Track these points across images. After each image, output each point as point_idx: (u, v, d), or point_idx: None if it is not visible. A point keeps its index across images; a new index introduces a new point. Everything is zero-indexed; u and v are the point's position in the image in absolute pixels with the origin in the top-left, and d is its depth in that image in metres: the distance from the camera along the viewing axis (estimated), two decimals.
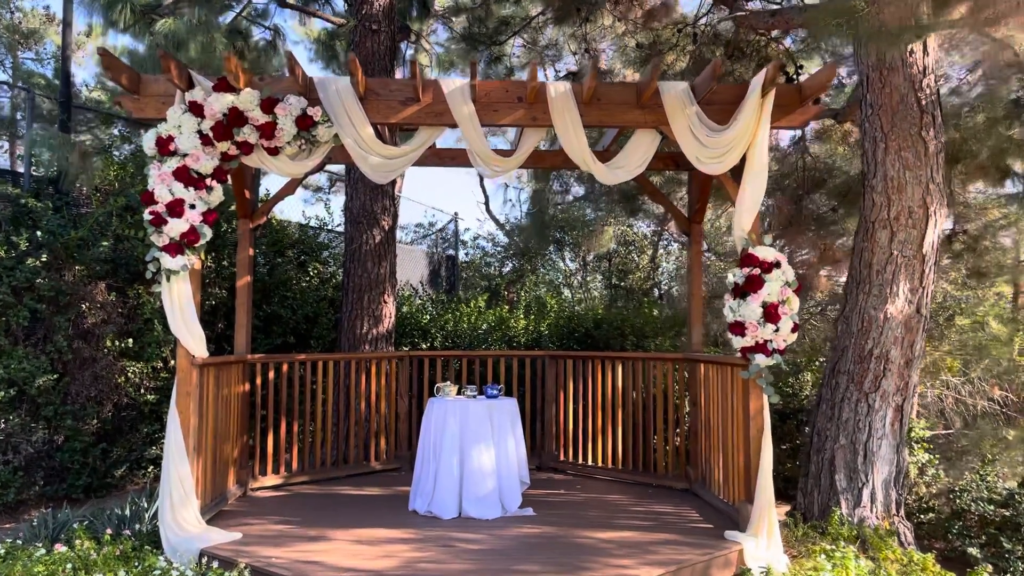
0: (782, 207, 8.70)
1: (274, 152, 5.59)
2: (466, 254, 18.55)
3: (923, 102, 6.54)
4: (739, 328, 5.44)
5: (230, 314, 9.10)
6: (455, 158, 7.19)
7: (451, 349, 11.13)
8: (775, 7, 7.73)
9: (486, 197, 22.28)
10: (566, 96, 5.57)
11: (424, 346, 11.10)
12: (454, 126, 5.67)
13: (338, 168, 17.05)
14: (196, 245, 5.48)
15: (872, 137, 6.69)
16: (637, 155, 5.71)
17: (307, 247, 10.80)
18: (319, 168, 7.06)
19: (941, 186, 6.65)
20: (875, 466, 6.48)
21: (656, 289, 14.02)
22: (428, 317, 11.80)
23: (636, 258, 14.65)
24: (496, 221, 20.36)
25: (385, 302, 8.65)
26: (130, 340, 8.11)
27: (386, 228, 8.71)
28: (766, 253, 5.40)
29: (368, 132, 5.55)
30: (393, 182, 8.87)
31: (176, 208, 5.37)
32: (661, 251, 14.99)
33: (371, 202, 8.61)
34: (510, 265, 16.93)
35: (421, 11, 10.77)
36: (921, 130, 6.51)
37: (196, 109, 5.40)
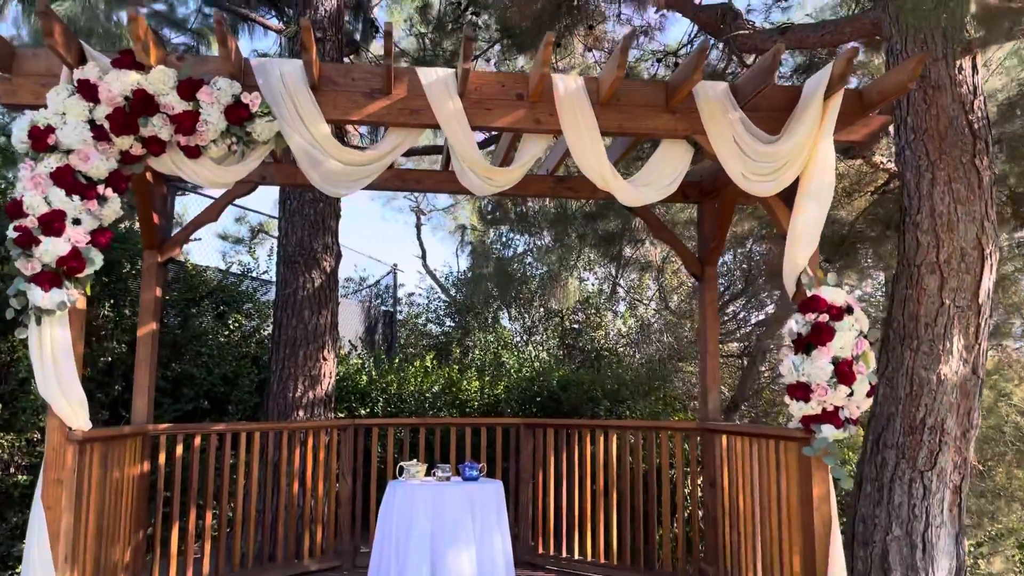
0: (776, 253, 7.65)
1: (194, 153, 4.18)
2: (400, 311, 17.10)
3: (975, 126, 5.60)
4: (802, 391, 4.23)
5: (129, 373, 7.45)
6: (420, 181, 5.89)
7: (395, 415, 9.64)
8: (783, 24, 6.82)
9: (423, 250, 21.01)
10: (579, 94, 4.37)
11: (363, 412, 9.58)
12: (433, 127, 4.39)
13: (260, 215, 15.49)
14: (80, 276, 4.00)
15: (915, 166, 5.70)
16: (667, 171, 4.53)
17: (227, 296, 9.23)
18: (250, 187, 5.65)
19: (995, 224, 5.70)
20: (936, 562, 5.31)
21: (629, 348, 12.85)
22: (367, 378, 10.31)
23: (595, 312, 13.48)
24: (434, 277, 19.03)
25: (324, 359, 7.19)
26: None
27: (327, 270, 7.30)
28: (834, 295, 4.25)
29: (322, 130, 4.22)
30: (337, 216, 7.49)
31: (53, 223, 3.89)
32: (623, 302, 13.89)
33: (310, 239, 7.20)
34: (451, 323, 15.58)
35: (367, 31, 9.58)
36: (974, 158, 5.56)
37: (88, 91, 3.98)
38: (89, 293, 4.16)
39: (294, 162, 5.83)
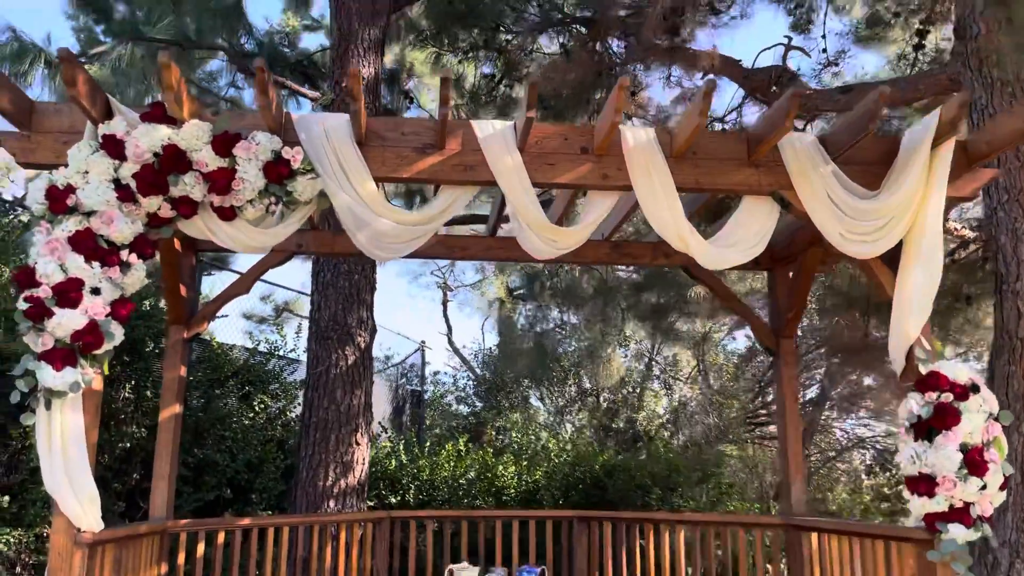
0: (850, 326, 7.10)
1: (229, 215, 3.76)
2: (426, 391, 16.53)
3: None
4: (925, 484, 3.62)
5: (149, 460, 6.93)
6: (466, 248, 5.43)
7: (427, 504, 8.99)
8: (846, 84, 6.46)
9: (449, 328, 20.54)
10: (650, 147, 3.93)
11: (393, 500, 8.94)
12: (490, 184, 3.96)
13: (288, 291, 15.14)
14: (97, 352, 3.54)
15: (1010, 229, 5.21)
16: (751, 230, 4.05)
17: (253, 376, 8.75)
18: (285, 257, 5.22)
19: None
20: None
21: (667, 429, 12.16)
22: (396, 463, 9.70)
23: (632, 391, 12.84)
24: (461, 355, 18.50)
25: (357, 443, 6.64)
26: (7, 498, 5.90)
27: (362, 346, 6.81)
28: (956, 371, 3.69)
29: (369, 188, 3.79)
30: (372, 289, 7.04)
31: (70, 293, 3.45)
32: (657, 380, 13.25)
33: (344, 312, 6.75)
34: (480, 403, 14.97)
35: (401, 102, 9.36)
36: None
37: (113, 147, 3.59)
38: (107, 372, 3.68)
39: (331, 228, 5.43)
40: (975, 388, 3.66)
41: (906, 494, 3.73)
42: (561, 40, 8.81)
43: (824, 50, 7.92)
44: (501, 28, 8.67)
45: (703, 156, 4.04)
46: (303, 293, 13.67)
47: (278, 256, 5.26)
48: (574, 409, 14.23)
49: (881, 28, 7.94)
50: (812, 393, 15.10)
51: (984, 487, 3.58)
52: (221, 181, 3.64)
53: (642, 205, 3.95)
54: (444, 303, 20.63)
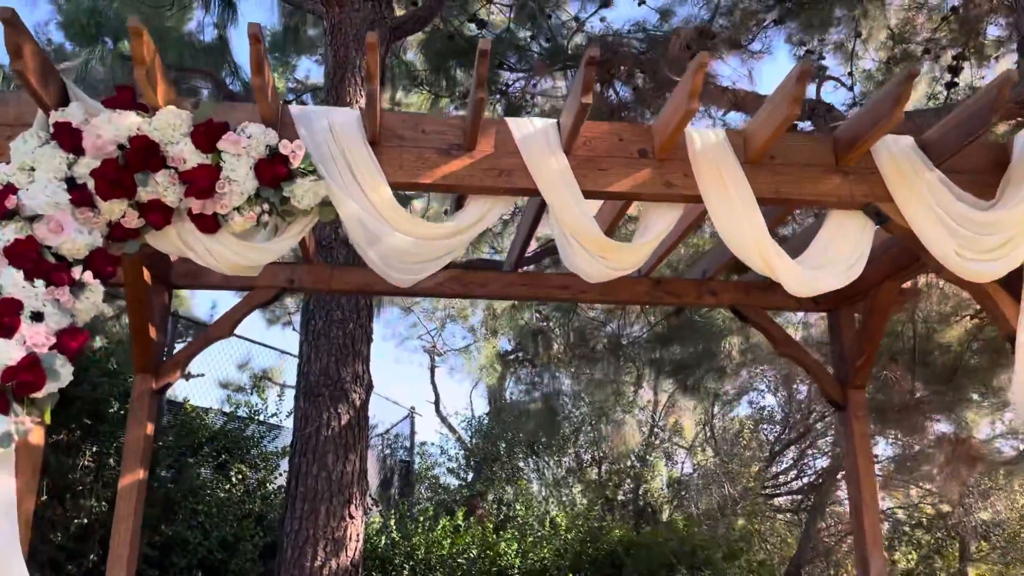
0: (897, 380, 6.40)
1: (211, 226, 3.03)
2: (414, 462, 15.54)
3: None
4: None
5: (108, 538, 6.01)
6: (485, 285, 4.70)
7: None
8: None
9: (436, 395, 19.61)
10: (723, 150, 3.29)
11: None
12: (530, 193, 3.28)
13: (270, 351, 14.26)
14: (37, 395, 2.75)
15: None
16: (845, 249, 3.37)
17: (231, 442, 7.89)
18: (275, 294, 4.47)
19: None
20: None
21: (678, 500, 11.27)
22: (387, 540, 8.79)
23: (639, 461, 11.96)
24: (449, 424, 17.59)
25: (351, 517, 5.77)
26: None
27: (357, 404, 6.01)
28: None
29: (384, 195, 3.10)
30: (368, 340, 6.27)
31: (3, 318, 2.69)
32: (663, 448, 12.39)
33: (337, 366, 5.96)
34: (471, 475, 14.01)
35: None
36: None
37: (68, 139, 2.88)
38: (48, 421, 2.88)
39: (329, 261, 4.71)
40: None
41: None
42: (568, 81, 8.31)
43: (851, 87, 7.44)
44: (504, 66, 8.15)
45: (783, 162, 3.39)
46: (287, 353, 12.85)
47: (265, 294, 4.51)
48: (572, 480, 13.31)
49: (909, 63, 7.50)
50: (824, 462, 14.33)
51: None
52: (203, 181, 2.93)
53: (715, 220, 3.27)
54: (432, 369, 19.77)
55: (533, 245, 7.02)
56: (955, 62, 7.23)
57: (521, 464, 13.61)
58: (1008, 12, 7.01)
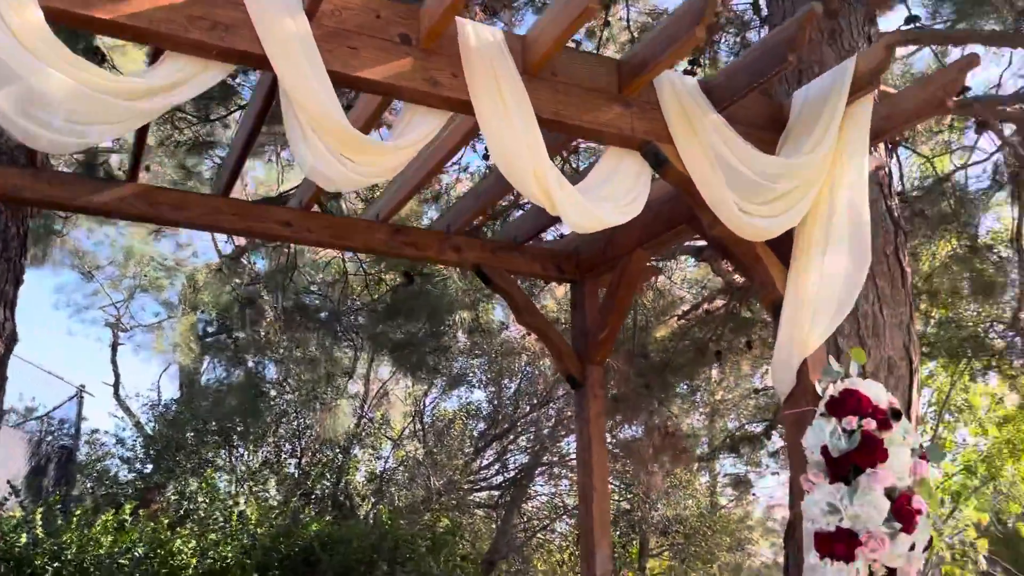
0: (618, 369, 6.30)
1: None
2: (80, 450, 13.40)
3: (895, 214, 4.74)
4: (843, 543, 2.64)
5: None
6: (183, 208, 3.67)
7: None
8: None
9: (116, 376, 17.24)
10: (499, 53, 2.70)
11: None
12: (253, 59, 2.45)
13: None
14: None
15: None
16: (623, 186, 2.93)
17: None
18: None
19: (915, 332, 4.78)
20: None
21: (383, 493, 10.58)
22: (27, 538, 7.22)
23: (340, 451, 11.14)
24: (127, 408, 15.49)
25: None
26: None
27: None
28: (876, 392, 2.80)
29: (32, 19, 2.11)
30: (16, 281, 4.88)
31: None
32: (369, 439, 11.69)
33: None
34: (150, 467, 12.31)
35: None
36: (897, 251, 4.65)
37: None
38: None
39: None
40: (896, 414, 2.79)
41: (810, 557, 2.73)
42: None
43: None
44: None
45: (565, 80, 2.88)
46: None
47: None
48: (267, 473, 12.15)
49: None
50: (524, 458, 14.51)
51: (912, 547, 2.68)
52: None
53: (487, 135, 2.67)
54: (114, 347, 17.38)
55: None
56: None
57: (211, 455, 12.19)
58: None
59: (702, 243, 6.53)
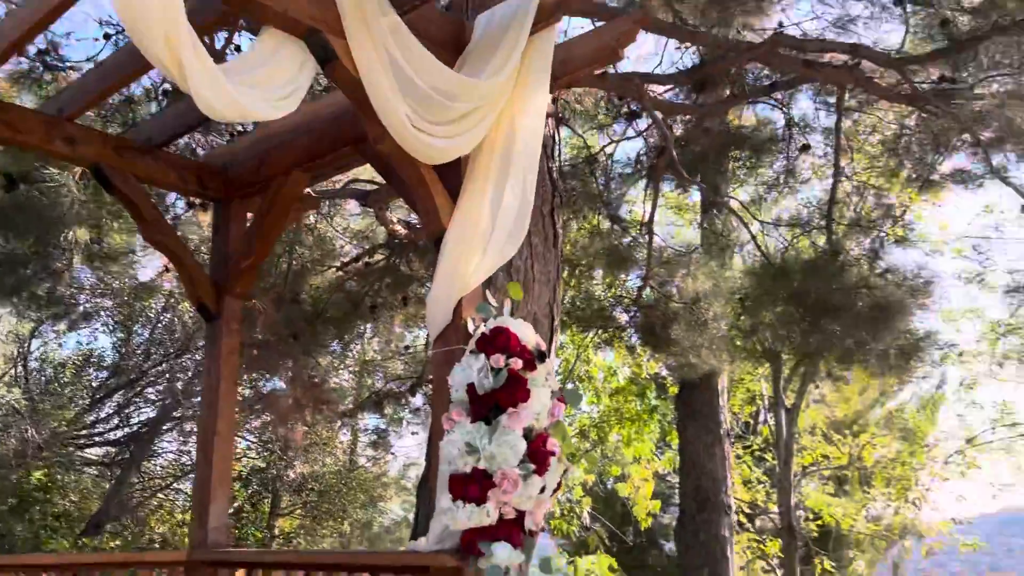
0: (263, 313, 5.79)
1: None
2: None
3: (554, 175, 4.85)
4: (476, 485, 2.51)
5: None
6: None
7: None
8: None
9: None
10: None
11: None
12: None
13: None
14: None
15: None
16: (282, 75, 2.50)
17: None
18: None
19: (559, 292, 4.96)
20: None
21: None
22: None
23: None
24: None
25: None
26: None
27: None
28: (525, 331, 2.72)
29: None
30: None
31: None
32: None
33: None
34: None
35: None
36: (553, 212, 4.77)
37: None
38: None
39: None
40: (542, 356, 2.73)
41: (443, 500, 2.57)
42: None
43: None
44: None
45: None
46: None
47: None
48: None
49: None
50: (149, 412, 13.19)
51: (543, 490, 2.64)
52: None
53: None
54: None
55: None
56: None
57: None
58: None
59: (369, 188, 6.26)
